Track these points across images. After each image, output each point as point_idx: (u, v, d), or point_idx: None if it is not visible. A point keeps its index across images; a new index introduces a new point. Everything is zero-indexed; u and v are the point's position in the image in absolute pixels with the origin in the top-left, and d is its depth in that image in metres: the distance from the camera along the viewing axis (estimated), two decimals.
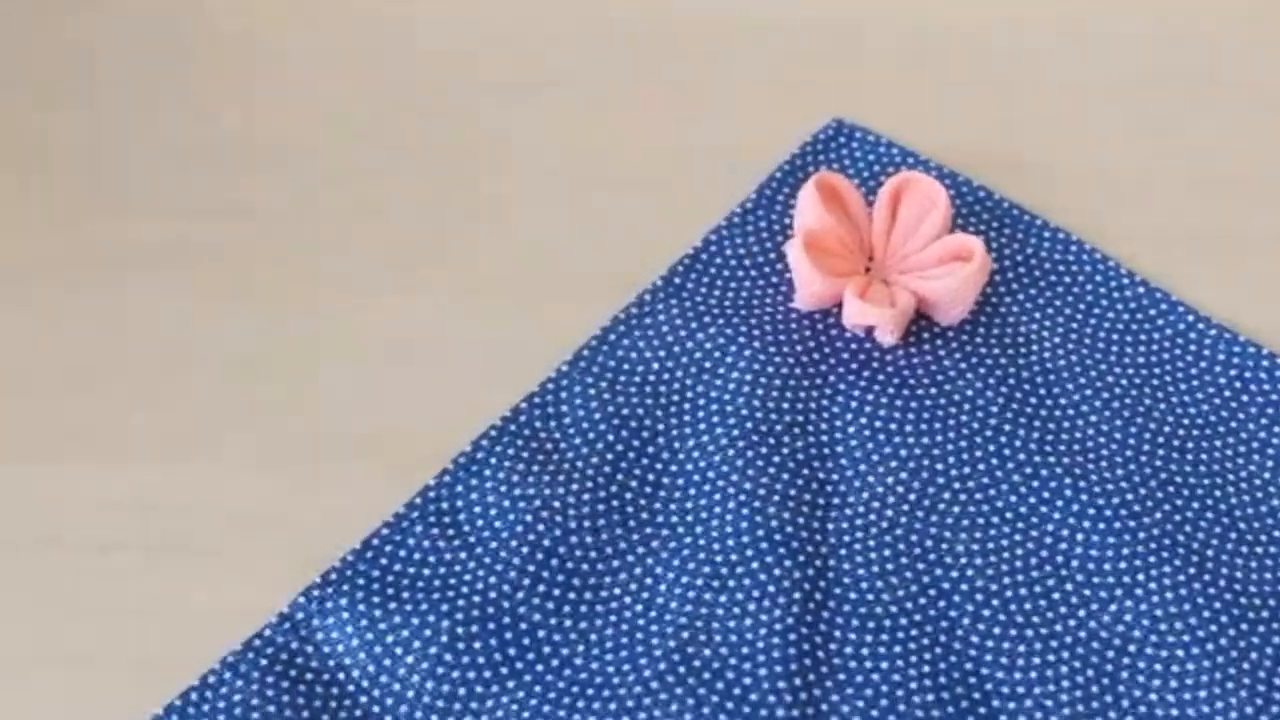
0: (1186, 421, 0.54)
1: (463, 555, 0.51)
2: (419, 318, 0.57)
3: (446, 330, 0.57)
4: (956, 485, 0.53)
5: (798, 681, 0.48)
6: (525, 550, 0.51)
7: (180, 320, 0.57)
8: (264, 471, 0.53)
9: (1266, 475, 0.53)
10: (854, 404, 0.54)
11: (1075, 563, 0.51)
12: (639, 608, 0.50)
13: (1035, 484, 0.53)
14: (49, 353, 0.57)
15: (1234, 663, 0.49)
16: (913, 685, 0.48)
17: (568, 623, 0.49)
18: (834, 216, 0.56)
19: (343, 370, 0.56)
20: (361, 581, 0.50)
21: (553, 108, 0.65)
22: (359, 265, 0.59)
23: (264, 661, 0.48)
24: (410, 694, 0.48)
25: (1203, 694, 0.48)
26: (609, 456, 0.53)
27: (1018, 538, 0.51)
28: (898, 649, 0.49)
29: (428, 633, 0.49)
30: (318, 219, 0.61)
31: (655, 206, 0.60)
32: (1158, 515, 0.52)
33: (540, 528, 0.51)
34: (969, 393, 0.55)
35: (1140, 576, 0.50)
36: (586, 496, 0.52)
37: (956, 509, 0.52)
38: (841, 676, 0.48)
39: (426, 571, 0.50)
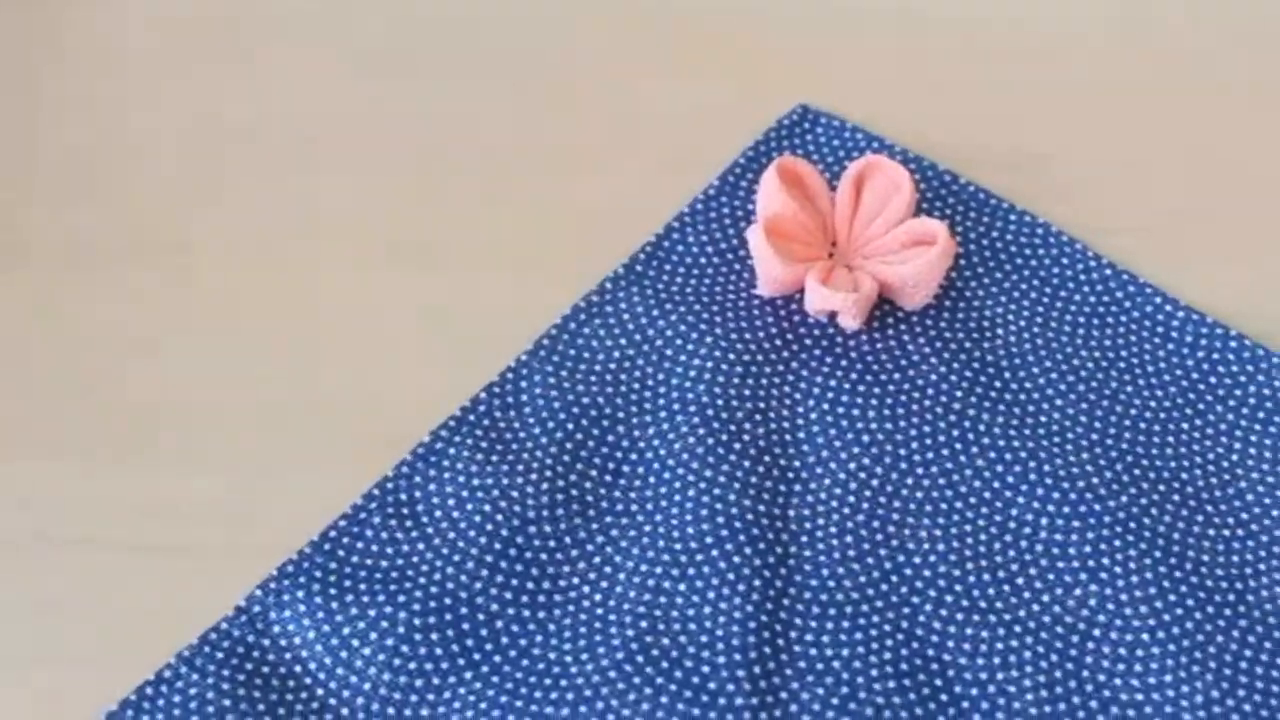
0: (1154, 404, 0.54)
1: (420, 546, 0.50)
2: (375, 308, 0.57)
3: (402, 322, 0.57)
4: (920, 471, 0.52)
5: (757, 670, 0.47)
6: (484, 540, 0.50)
7: (134, 313, 0.57)
8: (219, 466, 0.53)
9: (1234, 458, 0.53)
10: (816, 390, 0.54)
11: (1039, 547, 0.50)
12: (598, 597, 0.50)
13: (999, 468, 0.52)
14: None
15: (1199, 646, 0.48)
16: (874, 672, 0.48)
17: (526, 612, 0.49)
18: (796, 202, 0.56)
19: (300, 360, 0.56)
20: (318, 574, 0.50)
21: (512, 95, 0.64)
22: (315, 251, 0.59)
23: (220, 655, 0.48)
24: (368, 685, 0.48)
25: (1168, 678, 0.48)
26: (569, 445, 0.53)
27: (981, 523, 0.51)
28: (859, 636, 0.49)
29: (385, 624, 0.48)
30: (284, 208, 0.61)
31: (618, 193, 0.60)
32: (1123, 499, 0.51)
33: (499, 517, 0.51)
34: (933, 377, 0.54)
35: (1105, 560, 0.50)
36: (546, 486, 0.52)
37: (919, 494, 0.52)
38: (802, 664, 0.48)
39: (384, 563, 0.50)
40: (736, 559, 0.49)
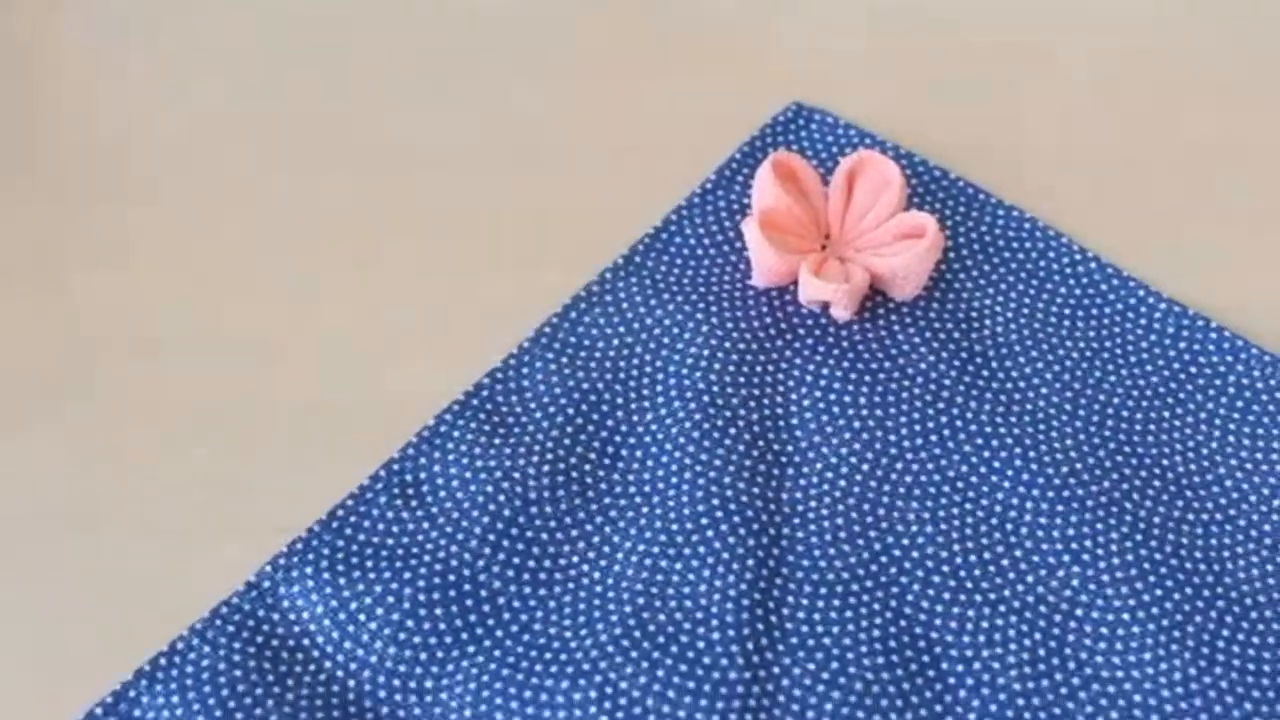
0: (1136, 393, 0.56)
1: (425, 525, 0.52)
2: (381, 295, 0.59)
3: (409, 310, 0.58)
4: (909, 455, 0.54)
5: (750, 645, 0.49)
6: (486, 520, 0.52)
7: (142, 301, 0.59)
8: (233, 449, 0.55)
9: (1213, 445, 0.54)
10: (809, 377, 0.56)
11: (1024, 530, 0.52)
12: (596, 575, 0.51)
13: (986, 454, 0.54)
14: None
15: (1178, 625, 0.50)
16: (863, 649, 0.49)
17: (527, 590, 0.51)
18: (790, 196, 0.57)
19: (308, 348, 0.57)
20: (326, 551, 0.51)
21: (512, 90, 0.66)
22: (323, 239, 0.60)
23: (231, 629, 0.50)
24: (373, 659, 0.49)
25: (1147, 656, 0.49)
26: (569, 429, 0.54)
27: (968, 506, 0.53)
28: (849, 614, 0.50)
29: (390, 600, 0.50)
30: (279, 195, 0.62)
31: (618, 188, 0.61)
32: (1105, 484, 0.53)
33: (501, 498, 0.52)
34: (922, 366, 0.56)
35: (1087, 543, 0.52)
36: (547, 468, 0.53)
37: (909, 479, 0.53)
38: (794, 640, 0.49)
39: (390, 541, 0.52)
40: (731, 539, 0.51)
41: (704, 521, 0.51)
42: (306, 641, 0.50)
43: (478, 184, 0.62)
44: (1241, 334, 0.57)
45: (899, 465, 0.54)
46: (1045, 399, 0.55)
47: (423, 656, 0.49)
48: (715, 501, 0.52)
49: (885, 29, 0.68)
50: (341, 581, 0.50)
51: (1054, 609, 0.50)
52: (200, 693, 0.48)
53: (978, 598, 0.51)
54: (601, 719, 0.47)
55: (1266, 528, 0.52)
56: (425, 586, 0.50)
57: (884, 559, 0.52)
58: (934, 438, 0.54)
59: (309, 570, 0.51)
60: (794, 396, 0.55)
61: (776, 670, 0.49)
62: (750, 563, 0.51)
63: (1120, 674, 0.49)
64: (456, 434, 0.54)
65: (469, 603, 0.50)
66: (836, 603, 0.50)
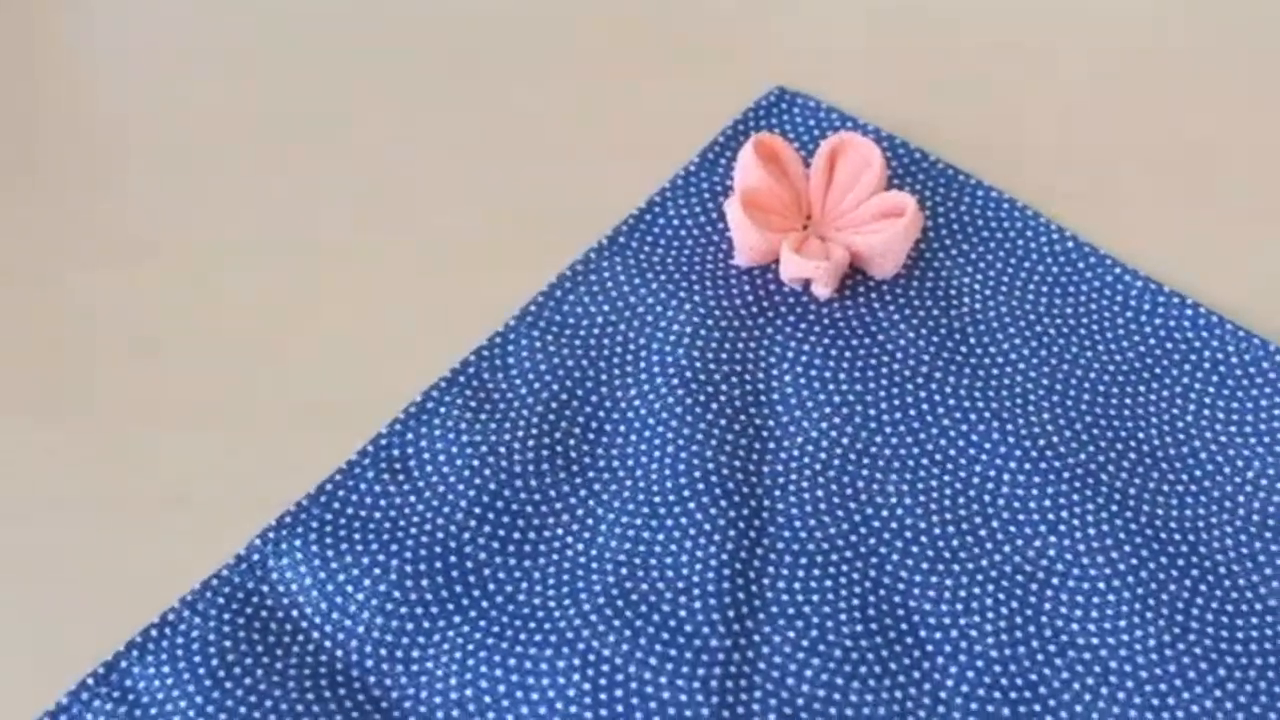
0: (1111, 368, 0.56)
1: (412, 499, 0.53)
2: (373, 278, 0.59)
3: (399, 291, 0.59)
4: (888, 429, 0.55)
5: (731, 614, 0.50)
6: (472, 493, 0.53)
7: (139, 297, 0.60)
8: (225, 428, 0.55)
9: (1188, 419, 0.55)
10: (790, 354, 0.56)
11: (1001, 501, 0.53)
12: (580, 546, 0.52)
13: (964, 427, 0.55)
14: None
15: (1152, 593, 0.51)
16: (842, 617, 0.50)
17: (512, 561, 0.52)
18: (772, 176, 0.58)
19: (301, 329, 0.58)
20: (315, 524, 0.52)
21: (500, 74, 0.67)
22: (323, 239, 0.61)
23: (221, 600, 0.50)
24: (361, 629, 0.50)
25: (1121, 623, 0.50)
26: (553, 405, 0.55)
27: (946, 478, 0.54)
28: (829, 583, 0.51)
29: (378, 571, 0.51)
30: (271, 183, 0.63)
31: (603, 170, 0.62)
32: (1081, 456, 0.54)
33: (486, 472, 0.53)
34: (901, 342, 0.57)
35: (1064, 514, 0.52)
36: (531, 443, 0.54)
37: (888, 451, 0.54)
38: (774, 609, 0.50)
39: (378, 514, 0.52)
40: (713, 511, 0.52)
41: (686, 494, 0.52)
42: (295, 613, 0.51)
43: (477, 182, 0.63)
44: (1215, 309, 0.58)
45: (878, 439, 0.54)
46: (1023, 374, 0.56)
47: (409, 626, 0.50)
48: (697, 474, 0.53)
49: (885, 28, 0.69)
50: (330, 554, 0.51)
51: (1031, 578, 0.51)
52: (191, 662, 0.49)
53: (955, 567, 0.52)
54: (585, 686, 0.48)
55: (1240, 498, 0.53)
56: (412, 558, 0.51)
57: (863, 530, 0.52)
58: (913, 412, 0.55)
59: (298, 543, 0.52)
60: (775, 372, 0.56)
61: (757, 638, 0.50)
62: (731, 534, 0.52)
63: (1095, 641, 0.50)
64: (443, 410, 0.55)
65: (454, 574, 0.51)
66: (816, 572, 0.51)
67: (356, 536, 0.52)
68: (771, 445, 0.54)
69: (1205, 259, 0.60)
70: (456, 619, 0.50)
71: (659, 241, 0.60)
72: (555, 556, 0.52)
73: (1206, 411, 0.55)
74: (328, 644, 0.50)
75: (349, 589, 0.51)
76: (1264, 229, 0.61)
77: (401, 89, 0.66)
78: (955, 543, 0.52)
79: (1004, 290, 0.58)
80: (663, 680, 0.48)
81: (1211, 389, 0.56)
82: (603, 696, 0.48)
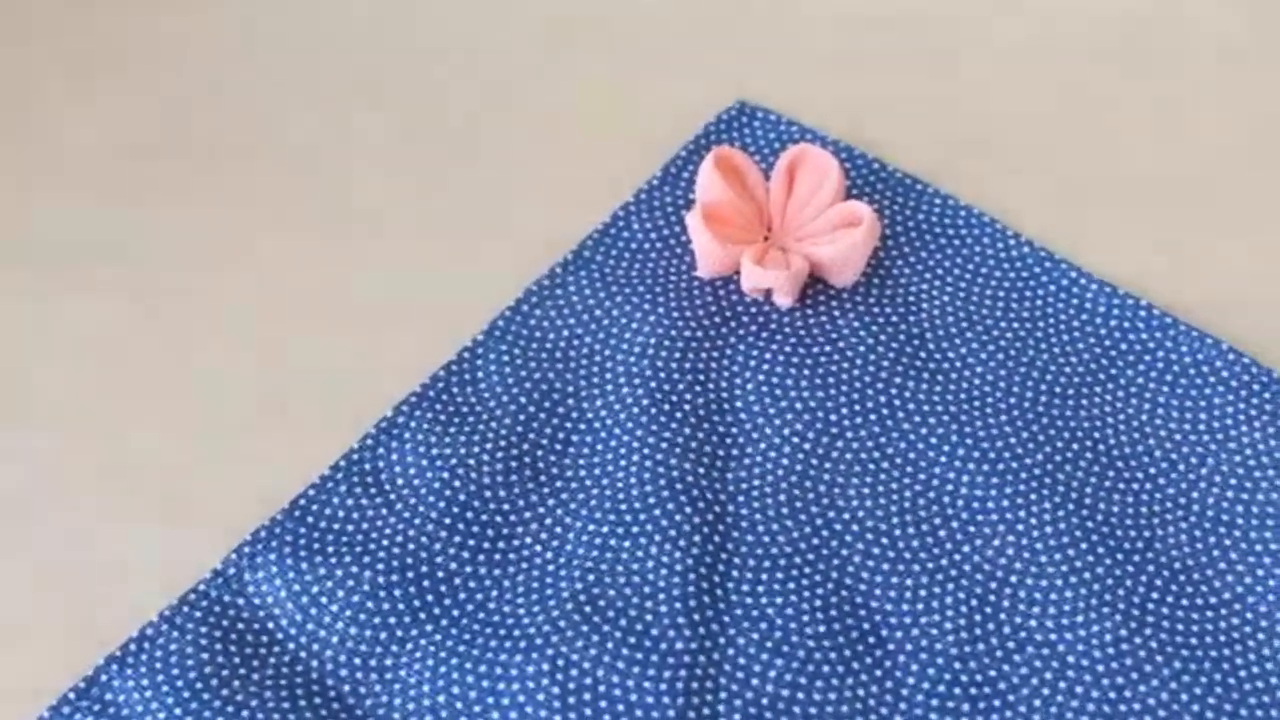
0: (1068, 370, 0.58)
1: (384, 511, 0.54)
2: (342, 295, 0.60)
3: (368, 307, 0.60)
4: (849, 434, 0.56)
5: (697, 618, 0.51)
6: (442, 505, 0.54)
7: (143, 301, 0.61)
8: (199, 438, 0.57)
9: (1142, 418, 0.56)
10: (753, 362, 0.58)
11: (960, 502, 0.54)
12: (548, 554, 0.53)
13: (923, 431, 0.56)
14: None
15: (1109, 589, 0.52)
16: (805, 618, 0.51)
17: (482, 570, 0.53)
18: (733, 189, 0.59)
19: (299, 342, 0.59)
20: (289, 538, 0.53)
21: (467, 90, 0.68)
22: (287, 232, 0.62)
23: (198, 614, 0.52)
24: (335, 639, 0.51)
25: (1079, 619, 0.51)
26: (521, 417, 0.56)
27: (906, 480, 0.55)
28: (792, 585, 0.52)
29: (351, 583, 0.52)
30: (254, 188, 0.64)
31: (568, 186, 0.63)
32: (1039, 457, 0.55)
33: (457, 484, 0.54)
34: (861, 349, 0.58)
35: (1022, 513, 0.54)
36: (500, 454, 0.55)
37: (849, 456, 0.55)
38: (738, 612, 0.51)
39: (350, 527, 0.54)
40: (678, 517, 0.53)
41: (651, 501, 0.54)
42: (271, 625, 0.52)
43: (439, 200, 0.64)
44: (1169, 311, 0.59)
45: (840, 444, 0.56)
46: (980, 378, 0.57)
47: (382, 636, 0.51)
48: (663, 481, 0.54)
49: (826, 30, 0.70)
50: (304, 566, 0.52)
51: (990, 577, 0.52)
52: (169, 675, 0.50)
53: (916, 568, 0.53)
54: (554, 690, 0.49)
55: (1195, 495, 0.54)
56: (384, 569, 0.52)
57: (825, 533, 0.54)
58: (873, 417, 0.56)
59: (273, 557, 0.53)
60: (738, 380, 0.57)
61: (722, 641, 0.51)
62: (696, 539, 0.53)
63: (1054, 637, 0.51)
64: (413, 424, 0.56)
65: (426, 584, 0.52)
66: (780, 575, 0.52)
67: (330, 549, 0.53)
68: (735, 452, 0.55)
69: (1162, 264, 0.61)
70: (428, 628, 0.51)
71: (623, 255, 0.61)
72: (524, 565, 0.53)
73: (1161, 411, 0.57)
74: (303, 654, 0.51)
75: (323, 600, 0.52)
76: (1220, 235, 0.62)
77: (364, 111, 0.68)
78: (915, 543, 0.53)
79: (961, 295, 0.60)
80: (630, 683, 0.49)
81: (1166, 389, 0.57)
82: (571, 700, 0.49)
